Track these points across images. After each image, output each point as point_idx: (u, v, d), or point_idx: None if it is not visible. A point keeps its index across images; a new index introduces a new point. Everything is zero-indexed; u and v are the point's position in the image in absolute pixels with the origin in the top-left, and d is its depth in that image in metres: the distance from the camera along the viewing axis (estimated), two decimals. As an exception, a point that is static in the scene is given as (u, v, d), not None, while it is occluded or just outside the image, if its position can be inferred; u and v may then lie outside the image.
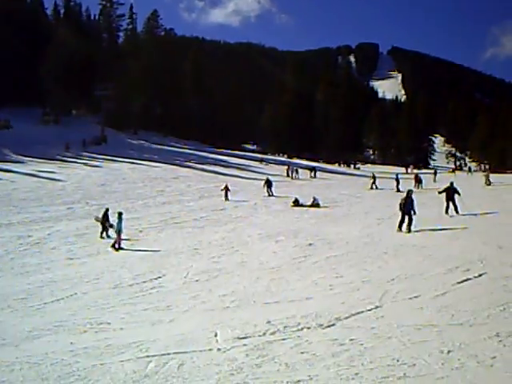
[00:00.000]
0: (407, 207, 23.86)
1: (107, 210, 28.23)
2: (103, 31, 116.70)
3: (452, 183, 29.83)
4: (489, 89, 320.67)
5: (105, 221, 27.58)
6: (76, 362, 9.31)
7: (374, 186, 50.99)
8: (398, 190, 27.49)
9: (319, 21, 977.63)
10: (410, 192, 25.34)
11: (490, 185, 51.38)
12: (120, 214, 25.30)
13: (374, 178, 52.86)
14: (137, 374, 8.50)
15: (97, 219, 28.08)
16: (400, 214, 24.03)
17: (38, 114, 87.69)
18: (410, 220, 23.65)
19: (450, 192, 28.84)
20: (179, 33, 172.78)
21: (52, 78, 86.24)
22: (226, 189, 41.47)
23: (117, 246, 24.34)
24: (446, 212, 28.35)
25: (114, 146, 79.61)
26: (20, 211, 34.70)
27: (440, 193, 29.23)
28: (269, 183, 44.59)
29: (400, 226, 23.80)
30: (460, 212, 28.04)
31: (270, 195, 42.80)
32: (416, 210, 23.87)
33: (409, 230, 23.40)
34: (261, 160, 64.62)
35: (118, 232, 24.65)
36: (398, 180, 50.24)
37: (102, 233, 27.53)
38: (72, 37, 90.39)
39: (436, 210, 27.61)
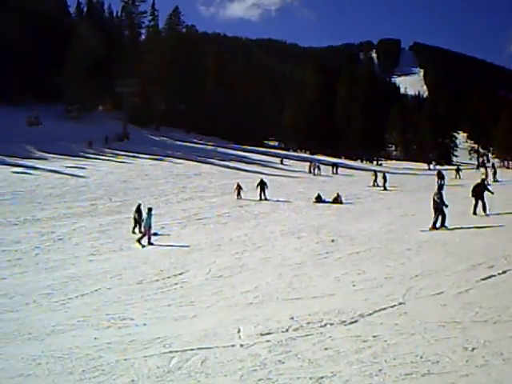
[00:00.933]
0: (440, 203, 23.36)
1: (139, 205, 28.52)
2: (125, 28, 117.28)
3: (483, 180, 28.85)
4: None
5: (138, 216, 27.97)
6: (100, 356, 9.37)
7: (375, 184, 49.70)
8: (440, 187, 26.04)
9: (341, 16, 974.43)
10: (440, 187, 25.06)
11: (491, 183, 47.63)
12: (150, 209, 25.54)
13: (376, 175, 51.57)
14: (160, 369, 8.53)
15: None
16: (433, 211, 23.46)
17: (61, 111, 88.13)
18: (443, 216, 23.21)
19: (480, 189, 26.98)
20: (198, 27, 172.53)
21: (74, 75, 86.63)
22: (239, 188, 40.93)
23: (144, 241, 24.50)
24: (474, 212, 26.49)
25: (136, 143, 79.88)
26: (44, 207, 34.95)
27: (473, 194, 26.87)
28: (262, 185, 41.22)
29: (434, 224, 23.25)
30: (487, 212, 26.12)
31: (261, 199, 39.42)
32: (446, 203, 23.45)
33: (443, 226, 22.99)
34: (281, 160, 63.96)
35: (148, 227, 24.86)
36: (440, 175, 50.18)
37: (134, 228, 27.92)
38: (94, 34, 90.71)
39: (458, 207, 27.24)
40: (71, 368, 8.89)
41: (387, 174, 50.71)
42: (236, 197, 40.20)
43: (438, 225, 23.07)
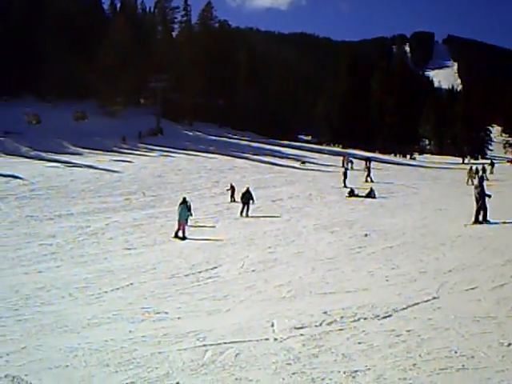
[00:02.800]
0: (482, 197, 23.03)
1: (185, 198, 28.76)
2: (158, 24, 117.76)
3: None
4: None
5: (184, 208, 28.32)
6: (135, 349, 9.47)
7: (368, 179, 47.34)
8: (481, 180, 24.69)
9: (373, 8, 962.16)
10: (481, 179, 24.73)
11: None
12: (184, 199, 25.75)
13: (369, 168, 49.90)
14: (194, 362, 8.59)
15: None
16: (476, 205, 23.07)
17: (95, 107, 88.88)
18: (485, 209, 22.92)
19: None
20: (228, 19, 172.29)
21: (108, 72, 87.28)
22: (232, 189, 37.07)
23: (181, 234, 24.69)
24: None
25: (169, 138, 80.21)
26: (78, 202, 35.29)
27: None
28: (247, 197, 33.00)
29: (477, 219, 22.90)
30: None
31: (242, 215, 30.93)
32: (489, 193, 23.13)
33: (485, 220, 22.71)
34: (302, 162, 62.90)
35: (186, 220, 25.06)
36: (493, 164, 49.64)
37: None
38: (128, 30, 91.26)
39: (493, 201, 26.90)
40: (107, 360, 9.00)
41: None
42: (230, 199, 36.56)
43: (481, 219, 22.86)
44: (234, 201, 35.92)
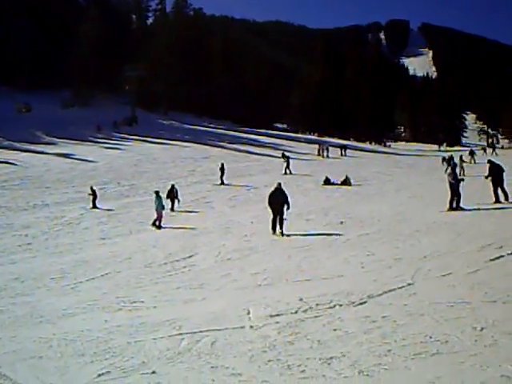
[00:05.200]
0: (455, 184, 23.10)
1: (173, 185, 30.21)
2: (132, 12, 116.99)
3: (490, 161, 27.28)
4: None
5: (172, 195, 29.39)
6: (111, 339, 9.44)
7: (287, 171, 46.23)
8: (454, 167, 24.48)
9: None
10: (454, 166, 24.83)
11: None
12: (157, 192, 25.87)
13: (288, 161, 47.06)
14: (170, 351, 8.59)
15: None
16: (450, 192, 23.17)
17: (68, 96, 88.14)
18: (458, 196, 23.03)
19: (495, 172, 24.60)
20: (204, 8, 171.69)
21: (82, 61, 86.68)
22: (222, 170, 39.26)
23: (157, 223, 24.68)
24: (497, 199, 24.03)
25: (144, 127, 79.78)
26: (53, 192, 35.09)
27: (487, 177, 24.80)
28: (222, 169, 39.06)
29: (451, 205, 23.00)
30: (510, 200, 23.84)
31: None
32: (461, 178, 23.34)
33: (457, 208, 22.83)
34: (283, 155, 62.49)
35: (162, 208, 25.11)
36: (472, 153, 49.59)
37: (172, 206, 29.10)
38: (101, 17, 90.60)
39: (467, 189, 26.94)
40: (82, 350, 8.97)
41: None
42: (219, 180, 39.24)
43: (455, 205, 22.98)
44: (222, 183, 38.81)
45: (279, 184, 21.48)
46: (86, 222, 26.56)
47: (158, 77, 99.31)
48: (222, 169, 40.10)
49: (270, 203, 20.81)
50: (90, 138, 68.44)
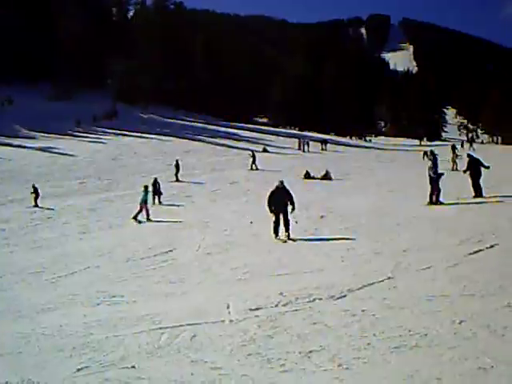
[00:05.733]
0: (435, 178, 23.17)
1: (156, 179, 30.26)
2: (113, 5, 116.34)
3: (469, 155, 27.38)
4: (501, 60, 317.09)
5: (155, 189, 29.46)
6: (90, 333, 9.40)
7: (253, 166, 45.63)
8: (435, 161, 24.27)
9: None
10: (435, 160, 24.77)
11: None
12: (146, 187, 25.89)
13: (254, 156, 45.69)
14: (150, 345, 8.57)
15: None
16: (429, 186, 23.27)
17: (48, 89, 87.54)
18: (438, 190, 23.09)
19: (473, 165, 24.64)
20: (186, 3, 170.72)
21: (62, 54, 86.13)
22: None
23: (141, 217, 24.67)
24: (477, 193, 24.09)
25: (125, 121, 79.50)
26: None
27: (466, 171, 24.96)
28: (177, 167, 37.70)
29: (431, 200, 23.09)
30: (484, 194, 24.05)
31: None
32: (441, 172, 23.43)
33: (437, 202, 22.93)
34: (264, 149, 61.85)
35: (145, 203, 25.07)
36: (454, 147, 49.32)
37: (153, 199, 29.02)
38: (82, 11, 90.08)
39: (447, 183, 27.03)
40: (61, 345, 8.92)
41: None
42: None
43: (434, 200, 23.06)
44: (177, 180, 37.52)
45: (281, 182, 18.98)
46: (65, 217, 26.42)
47: (139, 71, 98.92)
48: (177, 165, 39.14)
49: (270, 204, 18.31)
50: (70, 132, 68.11)
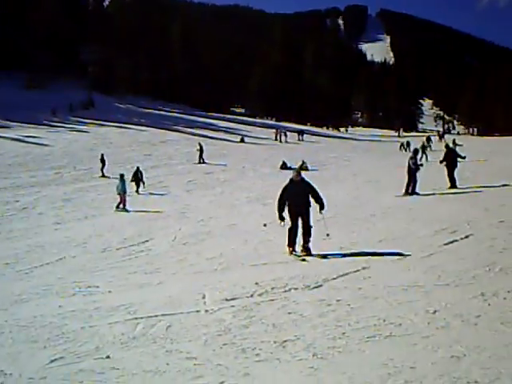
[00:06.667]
0: (414, 169, 23.37)
1: (138, 168, 30.83)
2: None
3: (448, 145, 27.60)
4: (478, 52, 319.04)
5: (137, 178, 29.93)
6: (65, 324, 9.34)
7: (200, 160, 44.70)
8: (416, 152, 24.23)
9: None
10: (415, 150, 25.00)
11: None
12: (122, 175, 25.86)
13: (201, 149, 43.90)
14: (125, 335, 8.53)
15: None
16: (407, 177, 23.43)
17: (23, 78, 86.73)
18: (415, 181, 23.25)
19: (451, 157, 24.93)
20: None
21: (36, 42, 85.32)
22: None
23: (121, 206, 24.66)
24: (452, 184, 24.35)
25: (101, 111, 79.01)
26: (7, 176, 34.60)
27: (442, 161, 25.23)
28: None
29: (407, 190, 23.21)
30: (458, 186, 24.39)
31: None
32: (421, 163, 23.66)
33: (413, 192, 23.07)
34: (241, 139, 61.41)
35: (123, 193, 25.06)
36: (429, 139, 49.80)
37: (137, 188, 29.75)
38: (57, 0, 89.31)
39: (423, 175, 27.14)
40: (35, 336, 8.85)
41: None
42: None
43: (410, 191, 23.22)
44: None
45: (298, 173, 14.33)
46: (40, 207, 26.28)
47: (116, 60, 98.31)
48: (102, 159, 37.75)
49: (282, 205, 13.96)
50: (46, 122, 67.55)
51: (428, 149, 51.24)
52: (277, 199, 14.23)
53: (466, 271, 10.73)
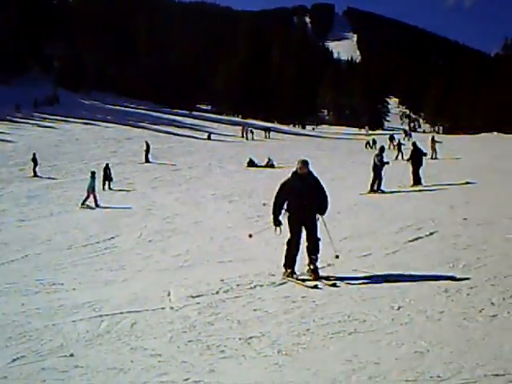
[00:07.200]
0: (379, 166, 23.55)
1: (107, 164, 30.78)
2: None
3: (415, 143, 27.88)
4: (443, 51, 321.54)
5: (106, 175, 29.94)
6: (28, 322, 9.23)
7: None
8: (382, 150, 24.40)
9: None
10: (382, 148, 25.17)
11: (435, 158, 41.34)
12: (93, 172, 25.86)
13: (148, 147, 43.28)
14: (89, 333, 8.46)
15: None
16: (372, 174, 23.61)
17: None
18: (380, 179, 23.40)
19: (417, 155, 25.53)
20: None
21: (1, 38, 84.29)
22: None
23: (91, 203, 24.64)
24: (416, 182, 24.91)
25: (66, 107, 78.31)
26: (-31, 173, 34.14)
27: (408, 160, 26.00)
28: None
29: (372, 188, 23.37)
30: (423, 183, 24.97)
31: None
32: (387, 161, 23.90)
33: (378, 190, 23.23)
34: (208, 136, 61.16)
35: (92, 189, 25.01)
36: (393, 137, 50.10)
37: (103, 185, 29.54)
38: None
39: (388, 172, 27.35)
40: (-3, 335, 8.75)
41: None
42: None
43: (375, 188, 23.38)
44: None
45: (304, 163, 10.89)
46: (4, 204, 25.98)
47: (81, 56, 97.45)
48: (34, 159, 36.30)
49: (279, 207, 10.97)
50: (9, 118, 66.71)
51: (391, 146, 51.66)
52: (273, 198, 11.07)
53: (431, 268, 10.84)
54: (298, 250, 10.61)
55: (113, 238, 17.43)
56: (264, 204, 22.09)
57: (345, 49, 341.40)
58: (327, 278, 10.32)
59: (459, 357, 6.42)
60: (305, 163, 10.74)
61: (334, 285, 9.82)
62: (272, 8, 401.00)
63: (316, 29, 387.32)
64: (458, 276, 10.31)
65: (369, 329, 7.79)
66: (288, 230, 10.80)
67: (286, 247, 10.74)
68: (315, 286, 9.87)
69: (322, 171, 33.69)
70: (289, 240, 10.68)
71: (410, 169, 25.38)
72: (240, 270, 11.79)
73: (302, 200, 10.55)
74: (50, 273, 13.29)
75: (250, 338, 7.70)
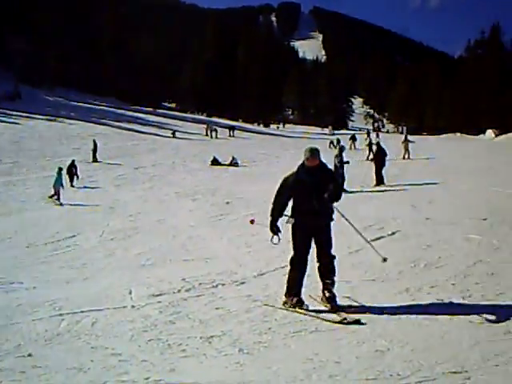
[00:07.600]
0: (341, 166, 23.64)
1: (73, 161, 30.74)
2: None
3: (379, 143, 28.16)
4: (408, 52, 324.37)
5: (72, 171, 29.71)
6: (-15, 322, 9.12)
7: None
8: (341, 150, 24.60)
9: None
10: (341, 149, 25.25)
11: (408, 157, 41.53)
12: (60, 169, 25.78)
13: (95, 146, 41.21)
14: (49, 332, 8.37)
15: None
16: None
17: None
18: (343, 178, 23.34)
19: (380, 155, 26.12)
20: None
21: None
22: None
23: (57, 200, 24.48)
24: (379, 182, 25.39)
25: (28, 103, 77.26)
26: None
27: (373, 160, 26.69)
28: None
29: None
30: (386, 183, 25.45)
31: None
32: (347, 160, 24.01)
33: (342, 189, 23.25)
34: (173, 133, 60.73)
35: (60, 186, 24.96)
36: (354, 138, 50.36)
37: (71, 182, 29.43)
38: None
39: (350, 172, 27.49)
40: (-48, 336, 8.60)
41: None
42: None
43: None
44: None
45: (315, 151, 8.90)
46: (-38, 201, 25.62)
47: (44, 50, 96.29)
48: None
49: (279, 208, 9.10)
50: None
51: (353, 147, 52.16)
52: (273, 198, 9.14)
53: (392, 267, 10.93)
54: (305, 270, 8.58)
55: (74, 236, 17.26)
56: (227, 202, 22.19)
57: (310, 48, 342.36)
58: (345, 309, 8.35)
59: (419, 355, 6.49)
60: (315, 152, 8.59)
61: (357, 321, 7.76)
62: (238, 6, 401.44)
63: (282, 28, 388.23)
64: (419, 275, 10.42)
65: (330, 328, 7.83)
66: (291, 242, 8.73)
67: (289, 267, 8.71)
68: (342, 321, 7.83)
69: (286, 170, 33.88)
70: (292, 258, 8.64)
71: (373, 169, 25.61)
72: (202, 268, 11.78)
73: (310, 201, 8.33)
74: (9, 271, 13.10)
75: (212, 336, 7.69)
